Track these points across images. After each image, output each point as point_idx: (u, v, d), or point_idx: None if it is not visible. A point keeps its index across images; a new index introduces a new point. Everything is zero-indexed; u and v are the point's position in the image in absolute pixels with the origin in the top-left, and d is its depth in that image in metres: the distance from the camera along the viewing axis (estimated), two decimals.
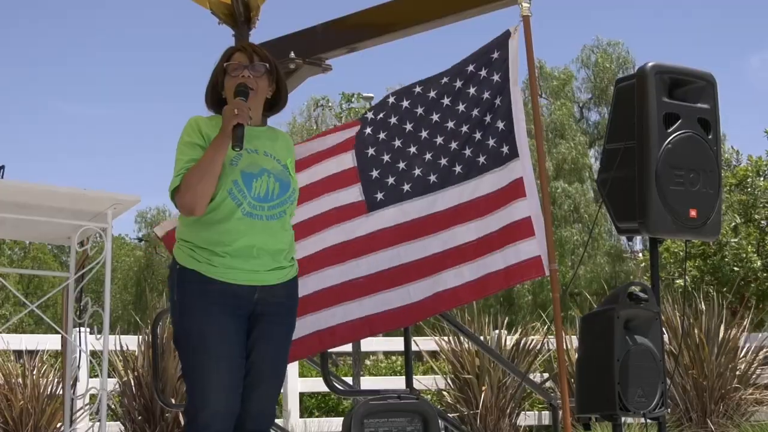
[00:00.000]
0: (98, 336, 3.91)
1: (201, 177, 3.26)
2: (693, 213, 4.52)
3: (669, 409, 6.82)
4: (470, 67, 4.25)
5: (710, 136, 4.67)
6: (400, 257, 4.23)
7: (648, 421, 4.41)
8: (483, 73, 4.24)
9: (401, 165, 4.25)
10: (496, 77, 4.23)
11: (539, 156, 4.28)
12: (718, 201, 4.67)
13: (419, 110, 4.29)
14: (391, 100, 4.28)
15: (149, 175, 47.63)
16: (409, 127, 4.27)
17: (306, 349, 4.37)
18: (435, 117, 4.25)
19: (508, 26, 4.31)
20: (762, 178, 15.64)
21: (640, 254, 24.68)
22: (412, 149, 4.25)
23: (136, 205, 4.26)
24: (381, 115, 4.30)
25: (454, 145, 4.23)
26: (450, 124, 4.25)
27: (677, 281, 13.51)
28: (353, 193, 4.24)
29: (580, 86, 31.58)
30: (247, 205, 3.32)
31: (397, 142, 4.27)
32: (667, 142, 4.47)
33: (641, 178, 4.43)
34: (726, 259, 14.22)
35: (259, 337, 3.37)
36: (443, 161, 4.23)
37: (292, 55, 5.61)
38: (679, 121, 4.54)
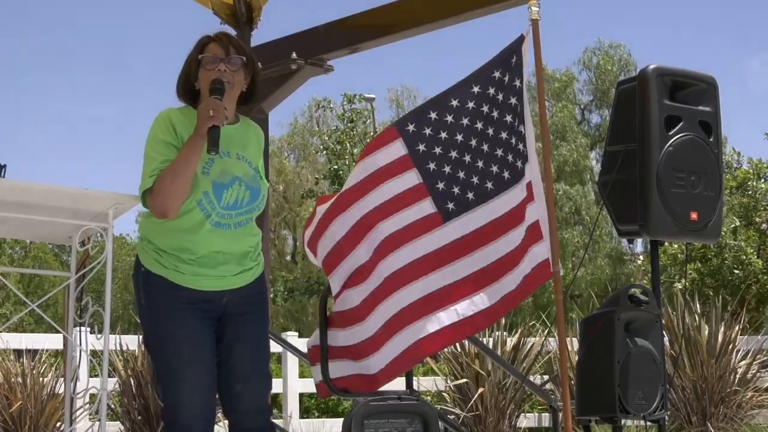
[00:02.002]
0: (99, 335, 3.91)
1: (174, 179, 3.16)
2: (694, 215, 4.52)
3: (669, 412, 6.82)
4: (496, 74, 4.26)
5: (711, 139, 4.67)
6: (475, 264, 4.22)
7: (648, 423, 4.41)
8: (506, 78, 4.26)
9: (461, 174, 4.25)
10: (517, 83, 4.25)
11: (545, 159, 4.29)
12: (719, 204, 4.67)
13: (448, 118, 4.28)
14: (432, 115, 4.29)
15: None
16: (443, 135, 4.27)
17: (402, 365, 4.32)
18: (469, 123, 4.26)
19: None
20: (763, 181, 15.65)
21: (641, 256, 24.69)
22: (467, 158, 4.25)
23: (137, 205, 4.26)
24: (421, 129, 4.30)
25: (499, 152, 4.25)
26: (490, 131, 4.25)
27: (677, 284, 13.52)
28: (425, 207, 4.24)
29: (581, 88, 31.66)
30: (215, 215, 3.27)
31: (438, 150, 4.26)
32: (668, 144, 4.47)
33: (642, 181, 4.43)
34: (726, 262, 14.23)
35: (234, 338, 3.35)
36: (494, 168, 4.23)
37: (294, 55, 5.61)
38: (681, 124, 4.54)
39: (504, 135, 4.24)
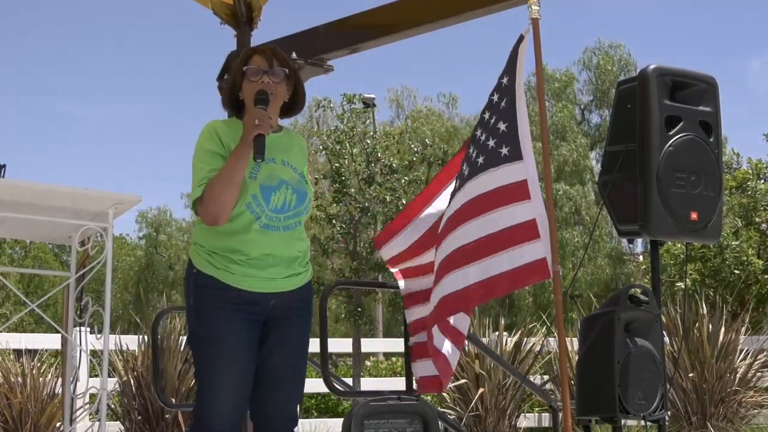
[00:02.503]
0: (98, 335, 3.92)
1: (224, 188, 3.26)
2: (694, 216, 4.52)
3: (669, 412, 6.82)
4: (504, 80, 4.31)
5: (712, 139, 4.67)
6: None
7: (648, 423, 4.41)
8: (503, 80, 4.29)
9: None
10: (504, 80, 4.26)
11: (545, 158, 4.28)
12: (719, 204, 4.67)
13: (477, 132, 4.41)
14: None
15: (150, 175, 47.69)
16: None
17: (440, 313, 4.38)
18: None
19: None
20: (762, 181, 15.66)
21: (641, 257, 24.69)
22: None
23: (137, 205, 4.26)
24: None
25: (472, 149, 4.29)
26: (478, 132, 4.31)
27: (678, 284, 13.52)
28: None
29: (581, 88, 31.65)
30: (264, 217, 3.35)
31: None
32: (668, 144, 4.47)
33: (642, 181, 4.42)
34: (726, 262, 14.24)
35: (277, 342, 3.42)
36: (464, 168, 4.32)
37: (294, 55, 5.60)
38: (681, 124, 4.54)
39: (478, 132, 4.29)
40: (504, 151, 4.18)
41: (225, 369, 3.29)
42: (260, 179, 3.38)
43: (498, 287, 4.18)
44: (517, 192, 4.17)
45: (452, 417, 7.66)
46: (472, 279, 4.15)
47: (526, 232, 4.12)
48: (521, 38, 4.28)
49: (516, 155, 4.17)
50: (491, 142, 4.23)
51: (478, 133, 4.30)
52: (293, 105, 3.60)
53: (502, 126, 4.23)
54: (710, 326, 8.13)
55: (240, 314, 3.32)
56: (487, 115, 4.28)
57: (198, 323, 3.36)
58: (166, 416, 7.18)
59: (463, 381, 7.94)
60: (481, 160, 4.23)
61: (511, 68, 4.26)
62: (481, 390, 7.85)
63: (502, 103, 4.25)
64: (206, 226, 3.38)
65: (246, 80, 3.45)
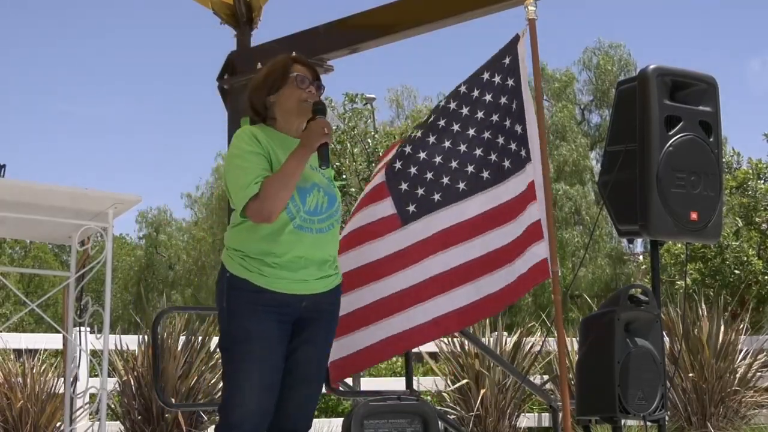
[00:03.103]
0: (98, 335, 3.92)
1: (283, 187, 3.31)
2: (694, 216, 4.52)
3: (669, 412, 6.82)
4: (485, 75, 4.30)
5: (712, 139, 4.67)
6: (438, 267, 4.25)
7: (648, 423, 4.41)
8: (497, 79, 4.28)
9: (429, 175, 4.28)
10: (510, 82, 4.27)
11: (543, 158, 4.29)
12: (719, 204, 4.67)
13: (441, 122, 4.33)
14: (431, 118, 4.36)
15: (150, 175, 47.68)
16: (432, 139, 4.31)
17: (351, 368, 4.38)
18: (456, 127, 4.29)
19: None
20: (762, 181, 15.66)
21: (641, 257, 24.69)
22: (437, 159, 4.28)
23: (136, 205, 4.26)
24: (416, 131, 4.37)
25: (478, 151, 4.27)
26: (471, 132, 4.29)
27: (678, 283, 13.53)
28: (385, 207, 4.29)
29: (581, 88, 31.63)
30: (299, 218, 3.39)
31: (422, 155, 4.30)
32: (668, 144, 4.47)
33: (642, 181, 4.43)
34: (727, 262, 14.24)
35: (305, 340, 3.47)
36: (470, 168, 4.25)
37: (294, 55, 5.61)
38: (681, 124, 4.54)
39: (487, 135, 4.27)
40: (523, 153, 4.23)
41: (256, 368, 3.33)
42: None
43: (515, 292, 4.22)
44: (530, 193, 4.22)
45: (452, 417, 7.66)
46: (501, 283, 4.17)
47: (534, 233, 4.16)
48: (517, 38, 4.29)
49: (529, 156, 4.23)
50: (513, 145, 4.26)
51: (489, 134, 4.28)
52: None
53: (518, 128, 4.27)
54: (710, 326, 8.13)
55: (272, 316, 3.36)
56: (497, 117, 4.27)
57: (230, 325, 3.40)
58: (166, 416, 7.18)
59: (463, 381, 7.94)
60: (507, 164, 4.26)
61: (515, 70, 4.27)
62: (481, 390, 7.84)
63: (513, 105, 4.27)
64: (241, 230, 3.42)
65: (291, 86, 3.50)
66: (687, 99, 4.63)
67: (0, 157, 3.85)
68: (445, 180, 4.26)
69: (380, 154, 12.11)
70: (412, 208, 4.25)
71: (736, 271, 14.12)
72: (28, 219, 4.00)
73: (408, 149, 4.34)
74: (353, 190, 11.81)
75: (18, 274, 31.49)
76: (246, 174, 3.36)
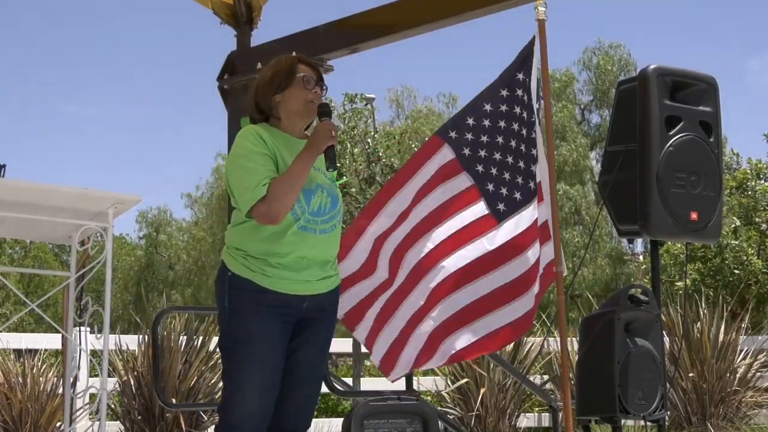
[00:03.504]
0: (98, 335, 3.92)
1: (290, 189, 3.30)
2: (694, 216, 4.52)
3: (669, 412, 6.82)
4: (519, 76, 4.34)
5: (712, 139, 4.67)
6: (521, 267, 4.29)
7: (648, 423, 4.41)
8: (527, 80, 4.33)
9: (506, 175, 4.33)
10: (533, 84, 4.32)
11: (549, 160, 4.31)
12: (719, 204, 4.67)
13: (501, 123, 4.37)
14: (470, 121, 4.36)
15: (150, 175, 47.67)
16: (484, 138, 4.34)
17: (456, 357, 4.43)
18: (515, 126, 4.33)
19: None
20: (762, 181, 15.65)
21: (641, 257, 24.68)
22: (509, 159, 4.32)
23: (136, 205, 4.26)
24: (461, 134, 4.36)
25: (534, 151, 4.33)
26: (524, 132, 4.33)
27: (678, 283, 13.52)
28: (479, 209, 4.30)
29: (581, 88, 31.65)
30: (303, 219, 3.39)
31: (482, 153, 4.33)
32: (668, 144, 4.48)
33: (642, 181, 4.43)
34: (726, 262, 14.23)
35: (306, 341, 3.46)
36: (532, 167, 4.33)
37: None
38: (681, 124, 4.54)
39: (533, 135, 4.32)
40: (531, 185, 4.28)
41: (257, 369, 3.33)
42: None
43: (535, 306, 4.25)
44: (539, 195, 4.26)
45: (452, 417, 7.66)
46: (523, 310, 4.21)
47: (544, 233, 4.20)
48: (534, 39, 4.29)
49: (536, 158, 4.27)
50: (534, 151, 4.31)
51: (533, 134, 4.32)
52: None
53: (532, 132, 4.31)
54: (710, 326, 8.12)
55: (274, 316, 3.36)
56: (534, 119, 4.31)
57: (232, 325, 3.39)
58: (166, 416, 7.18)
59: (463, 381, 7.94)
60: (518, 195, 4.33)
61: (530, 70, 4.29)
62: (481, 390, 7.84)
63: (535, 106, 4.32)
64: (244, 229, 3.41)
65: (297, 87, 3.49)
66: (687, 99, 4.63)
67: (0, 157, 3.85)
68: (520, 179, 4.33)
69: (380, 154, 12.11)
70: (501, 206, 4.30)
71: (736, 271, 14.11)
72: (28, 219, 4.00)
73: (483, 153, 4.33)
74: (353, 189, 11.80)
75: (18, 274, 31.49)
76: (252, 175, 3.34)
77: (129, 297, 32.89)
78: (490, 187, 4.28)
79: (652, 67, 4.53)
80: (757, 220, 15.13)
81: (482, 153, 4.29)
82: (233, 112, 6.04)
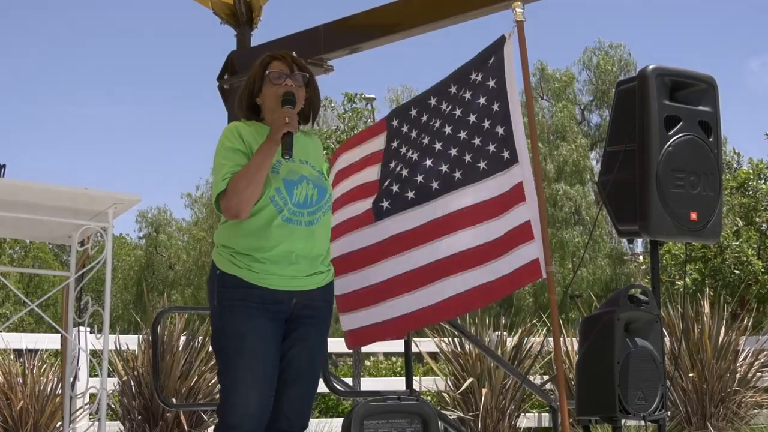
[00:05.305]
0: (98, 335, 3.93)
1: (249, 182, 3.31)
2: (693, 216, 4.52)
3: (669, 412, 6.82)
4: (471, 75, 4.30)
5: (711, 139, 4.67)
6: (406, 264, 4.29)
7: (648, 423, 4.41)
8: (478, 78, 4.29)
9: (404, 172, 4.33)
10: (491, 83, 4.26)
11: (534, 158, 4.29)
12: (719, 204, 4.67)
13: (423, 117, 4.37)
14: (413, 112, 4.37)
15: (150, 175, 47.67)
16: (413, 134, 4.36)
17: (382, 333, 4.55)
18: (436, 123, 4.32)
19: (506, 29, 4.34)
20: (763, 181, 15.66)
21: (641, 257, 24.69)
22: (415, 156, 4.32)
23: (136, 205, 4.27)
24: (401, 125, 4.40)
25: (453, 151, 4.28)
26: (447, 130, 4.31)
27: (678, 283, 13.53)
28: (367, 203, 4.34)
29: (581, 88, 31.62)
30: (287, 211, 3.39)
31: (403, 149, 4.36)
32: (668, 144, 4.47)
33: (642, 181, 4.42)
34: (727, 262, 14.24)
35: (298, 338, 3.45)
36: (444, 167, 4.27)
37: (294, 55, 5.62)
38: (680, 124, 4.54)
39: (463, 135, 4.28)
40: (506, 154, 4.20)
41: (249, 366, 3.32)
42: (282, 174, 3.43)
43: (498, 290, 4.21)
44: (516, 195, 4.19)
45: (452, 417, 7.66)
46: (473, 283, 4.18)
47: (522, 233, 4.15)
48: (503, 39, 4.29)
49: (515, 158, 4.19)
50: (492, 147, 4.24)
51: (465, 134, 4.29)
52: (310, 111, 3.65)
53: (500, 130, 4.24)
54: (710, 326, 8.13)
55: (264, 313, 3.35)
56: (474, 118, 4.28)
57: (222, 323, 3.39)
58: (166, 416, 7.18)
59: (469, 381, 7.93)
60: (483, 165, 4.24)
61: (497, 71, 4.27)
62: (481, 390, 7.84)
63: (494, 107, 4.26)
64: (230, 226, 3.43)
65: (268, 84, 3.51)
66: (686, 99, 4.63)
67: (0, 157, 3.86)
68: (420, 178, 4.30)
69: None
70: (385, 204, 4.32)
71: (736, 271, 14.12)
72: (28, 219, 4.00)
73: (394, 144, 4.39)
74: None
75: (18, 274, 31.51)
76: (218, 171, 3.39)
77: (129, 297, 32.88)
78: (385, 182, 4.33)
79: (651, 67, 4.53)
80: (757, 220, 15.14)
81: (394, 144, 4.39)
82: (233, 112, 6.04)
